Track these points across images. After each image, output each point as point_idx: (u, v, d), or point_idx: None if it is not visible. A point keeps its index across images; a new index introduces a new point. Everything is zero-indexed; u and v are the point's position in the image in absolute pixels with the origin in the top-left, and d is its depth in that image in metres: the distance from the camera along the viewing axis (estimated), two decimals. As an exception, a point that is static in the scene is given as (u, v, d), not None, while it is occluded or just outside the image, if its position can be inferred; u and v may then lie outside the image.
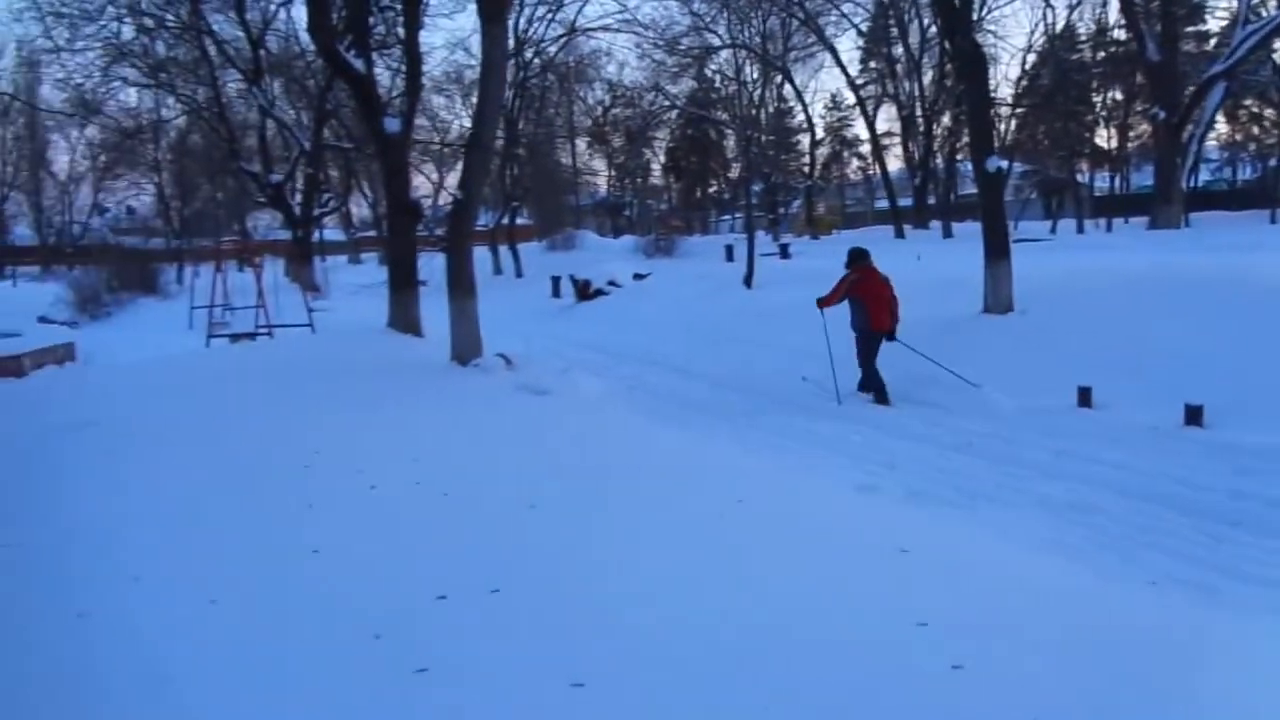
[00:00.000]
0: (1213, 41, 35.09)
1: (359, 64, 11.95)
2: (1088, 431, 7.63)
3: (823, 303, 10.11)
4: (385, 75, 25.33)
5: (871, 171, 50.57)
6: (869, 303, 9.71)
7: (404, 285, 12.37)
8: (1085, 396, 8.36)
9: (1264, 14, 25.70)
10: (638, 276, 21.26)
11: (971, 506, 5.96)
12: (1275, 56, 31.27)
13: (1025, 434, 7.73)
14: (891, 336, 9.80)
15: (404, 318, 12.17)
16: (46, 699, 2.78)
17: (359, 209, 50.61)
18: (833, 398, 9.53)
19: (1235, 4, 25.78)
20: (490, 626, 3.17)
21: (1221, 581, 4.61)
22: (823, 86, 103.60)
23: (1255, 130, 40.84)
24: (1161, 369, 8.59)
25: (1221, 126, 37.77)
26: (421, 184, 41.11)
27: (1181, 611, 3.91)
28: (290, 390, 7.92)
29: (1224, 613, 4.04)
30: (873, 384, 9.60)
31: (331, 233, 51.18)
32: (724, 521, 4.48)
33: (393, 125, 12.17)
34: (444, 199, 40.98)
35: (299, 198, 28.67)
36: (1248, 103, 37.16)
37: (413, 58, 13.36)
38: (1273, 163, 40.23)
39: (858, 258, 10.16)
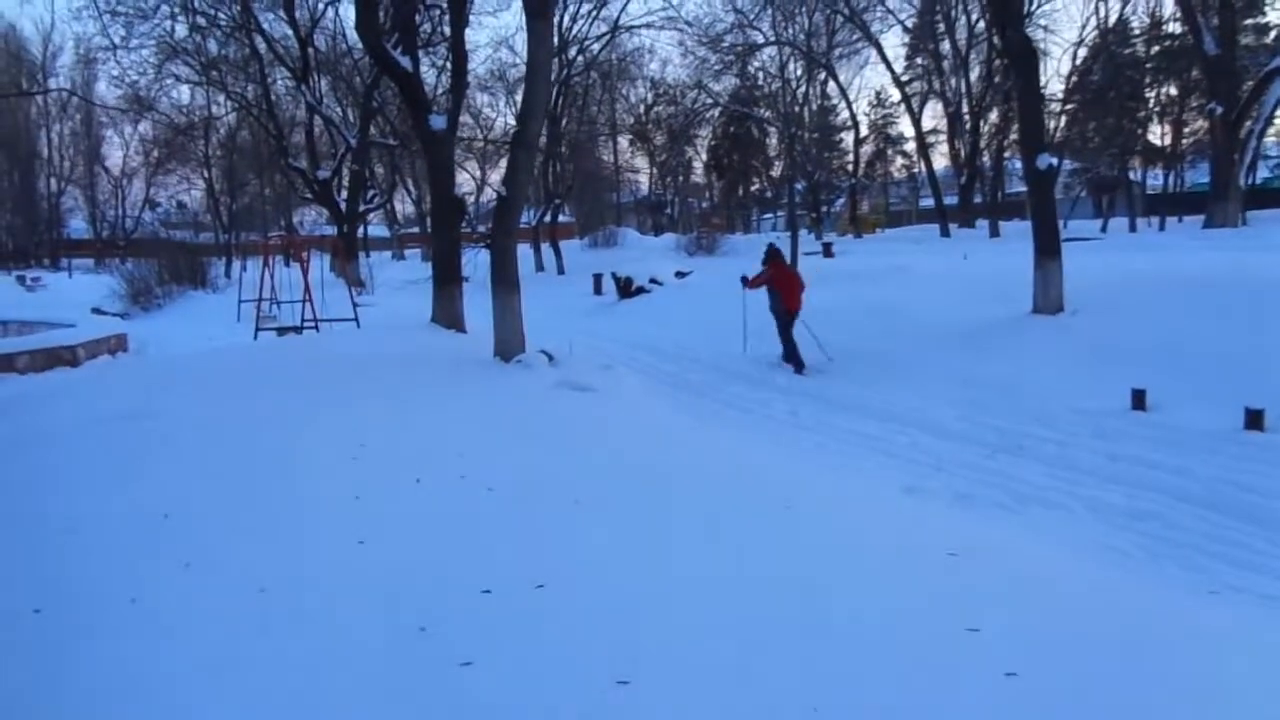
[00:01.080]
0: (1273, 34, 34.18)
1: (405, 62, 12.02)
2: (1143, 435, 7.44)
3: (748, 284, 12.41)
4: (431, 73, 25.58)
5: (916, 169, 50.08)
6: (782, 290, 11.79)
7: (447, 281, 12.43)
8: (1139, 399, 8.15)
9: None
10: (679, 274, 21.20)
11: (1023, 510, 5.85)
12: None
13: (1078, 437, 7.57)
14: (786, 322, 11.77)
15: (447, 313, 12.23)
16: (101, 682, 2.81)
17: (403, 205, 51.24)
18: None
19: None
20: (535, 622, 3.15)
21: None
22: (867, 83, 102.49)
23: (1319, 125, 39.65)
24: (1218, 371, 8.37)
25: (1280, 122, 36.77)
26: (465, 181, 41.41)
27: (1246, 621, 3.80)
28: (336, 383, 7.98)
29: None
30: (792, 356, 11.53)
31: (376, 229, 51.85)
32: (770, 521, 4.43)
33: (438, 122, 12.22)
34: (487, 195, 41.27)
35: (344, 194, 29.02)
36: (1311, 97, 36.08)
37: (458, 55, 13.41)
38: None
39: (773, 255, 12.29)
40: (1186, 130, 36.73)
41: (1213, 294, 10.22)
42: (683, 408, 9.05)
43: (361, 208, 30.43)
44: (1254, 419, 7.26)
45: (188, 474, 5.11)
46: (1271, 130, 31.32)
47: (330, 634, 3.07)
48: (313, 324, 16.34)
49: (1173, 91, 35.64)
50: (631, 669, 2.76)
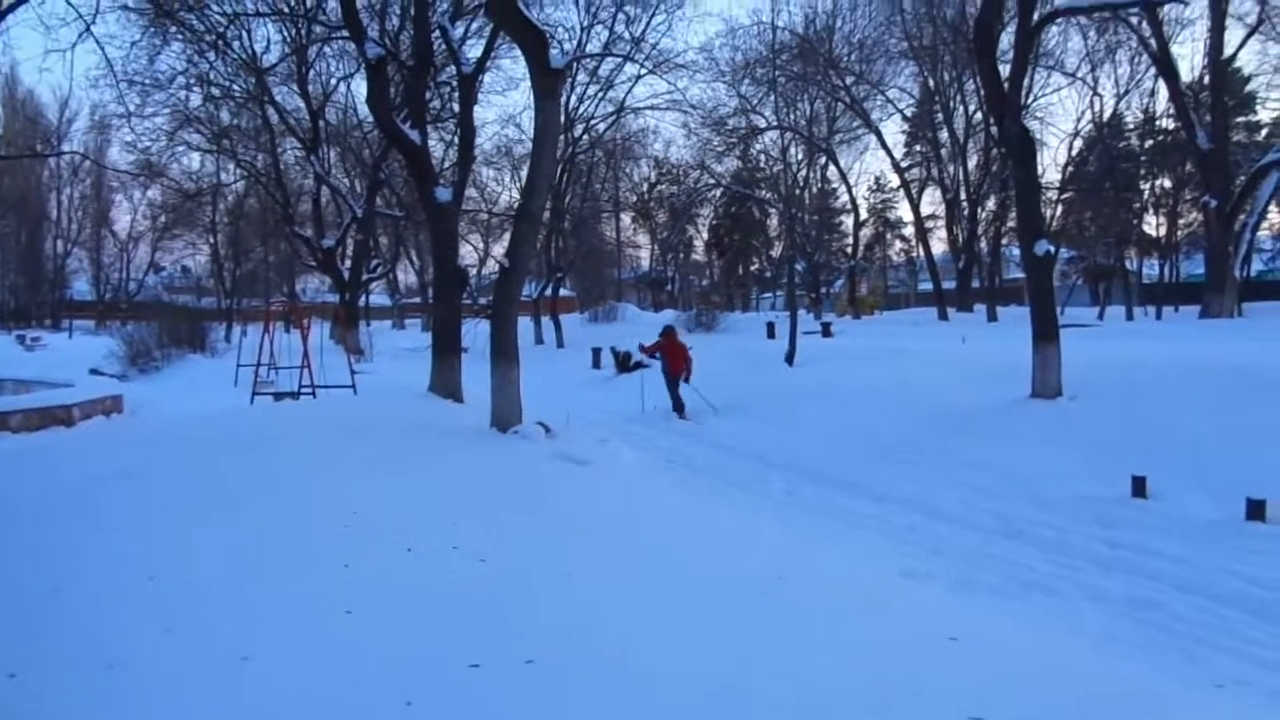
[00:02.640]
0: (1264, 132, 34.97)
1: (415, 135, 12.26)
2: (1143, 523, 7.37)
3: (644, 350, 16.21)
4: (439, 146, 26.09)
5: (915, 253, 50.65)
6: (669, 359, 15.12)
7: (447, 350, 12.46)
8: (1140, 486, 8.09)
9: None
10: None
11: (1023, 597, 5.75)
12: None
13: (1078, 523, 7.48)
14: (686, 380, 14.89)
15: (446, 382, 12.23)
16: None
17: (405, 275, 51.68)
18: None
19: (1287, 96, 25.78)
20: (524, 698, 3.06)
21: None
22: (867, 168, 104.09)
23: (1311, 220, 40.29)
24: (1218, 461, 8.32)
25: (1274, 216, 37.36)
26: (468, 252, 41.82)
27: (1252, 717, 3.69)
28: (330, 449, 7.92)
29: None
30: (676, 406, 14.66)
31: (377, 298, 52.21)
32: (765, 600, 4.34)
33: (444, 195, 12.41)
34: (489, 268, 41.64)
35: (349, 263, 29.29)
36: (1301, 193, 36.73)
37: (466, 131, 13.71)
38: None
39: (667, 332, 15.76)
40: (1181, 222, 37.31)
41: (1212, 383, 10.23)
42: (678, 482, 8.98)
43: (364, 277, 30.71)
44: (1256, 510, 7.19)
45: (175, 537, 5.02)
46: (1265, 224, 31.84)
47: (314, 706, 2.98)
48: (310, 390, 16.32)
49: (1167, 184, 36.31)
50: (622, 750, 2.66)
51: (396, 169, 28.89)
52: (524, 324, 24.94)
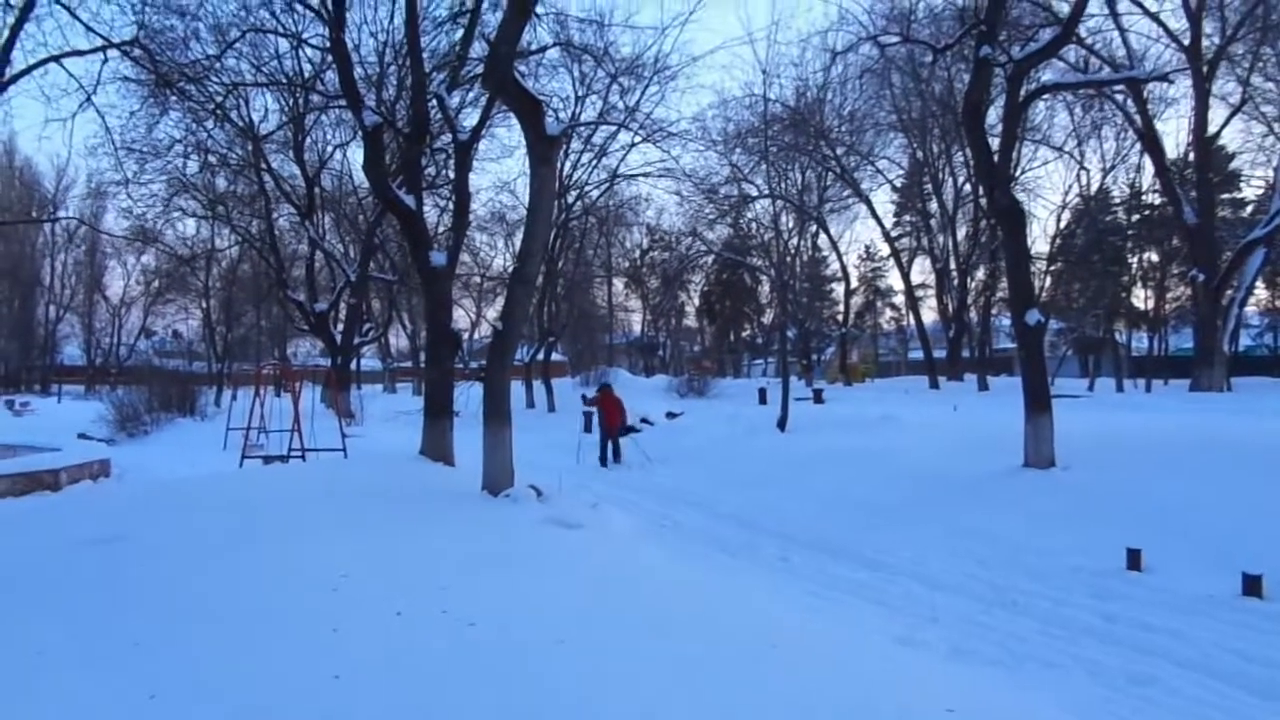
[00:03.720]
0: (1249, 208, 35.60)
1: (410, 201, 12.40)
2: (1138, 596, 7.30)
3: (586, 401, 19.26)
4: (433, 212, 26.35)
5: (905, 321, 51.02)
6: (605, 413, 17.27)
7: (439, 414, 12.42)
8: (1135, 559, 8.03)
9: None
10: (670, 415, 21.26)
11: (1020, 668, 5.68)
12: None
13: (1072, 594, 7.41)
14: (624, 432, 17.47)
15: (437, 446, 12.17)
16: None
17: (397, 339, 51.76)
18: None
19: (1271, 174, 26.32)
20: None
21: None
22: (857, 237, 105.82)
23: (1297, 298, 40.86)
24: (1212, 534, 8.30)
25: (1261, 292, 37.86)
26: (461, 316, 42.02)
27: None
28: (319, 513, 7.84)
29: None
30: (605, 456, 17.03)
31: (369, 361, 52.19)
32: (758, 667, 4.27)
33: (438, 259, 12.49)
34: (481, 332, 41.79)
35: (341, 326, 29.33)
36: (1288, 269, 37.28)
37: (461, 197, 13.85)
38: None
39: (603, 388, 18.21)
40: (1169, 295, 37.73)
41: (1204, 456, 10.25)
42: (669, 547, 8.89)
43: (356, 340, 30.72)
44: (1252, 585, 7.12)
45: (161, 600, 4.95)
46: (1251, 300, 32.20)
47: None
48: (299, 454, 16.21)
49: (1154, 258, 36.80)
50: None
51: (391, 234, 29.14)
52: (516, 388, 24.94)
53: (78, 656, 4.05)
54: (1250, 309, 36.73)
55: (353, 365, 34.29)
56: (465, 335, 40.18)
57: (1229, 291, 24.28)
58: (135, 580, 5.38)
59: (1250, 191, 36.17)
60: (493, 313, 39.80)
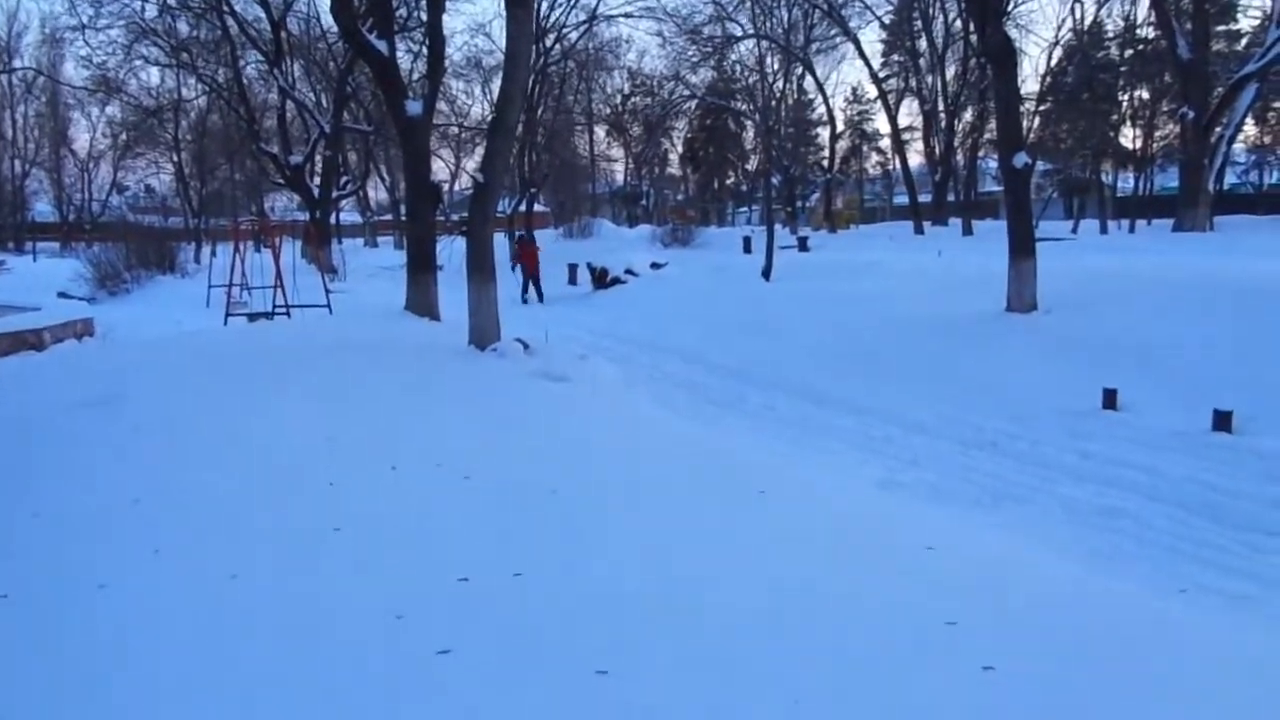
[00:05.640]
0: (1244, 41, 34.62)
1: (382, 46, 11.90)
2: (1113, 434, 7.51)
3: (514, 259, 21.28)
4: (406, 58, 25.35)
5: (891, 166, 50.30)
6: (525, 260, 20.18)
7: (422, 268, 12.34)
8: (1110, 399, 8.23)
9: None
10: (655, 266, 21.17)
11: (997, 507, 5.89)
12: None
13: (1051, 434, 7.62)
14: (536, 275, 20.07)
15: (422, 301, 12.15)
16: (69, 669, 2.74)
17: (376, 192, 50.75)
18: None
19: (1269, 3, 25.45)
20: (513, 610, 3.11)
21: (1258, 591, 4.51)
22: (844, 79, 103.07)
23: (1286, 132, 40.36)
24: (1187, 373, 8.46)
25: (1250, 128, 37.31)
26: (440, 168, 41.13)
27: (1214, 621, 3.83)
28: (308, 370, 7.88)
29: (1259, 623, 3.96)
30: (525, 295, 19.76)
31: (348, 215, 51.35)
32: (746, 513, 4.42)
33: (414, 108, 12.12)
34: (462, 184, 41.02)
35: (317, 180, 28.69)
36: (1278, 105, 36.66)
37: (435, 40, 13.29)
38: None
39: (520, 239, 22.14)
40: (1157, 134, 37.17)
41: (1183, 297, 10.33)
42: (658, 397, 9.04)
43: (335, 194, 30.13)
44: (1222, 420, 7.34)
45: (157, 460, 5.02)
46: (1241, 136, 31.78)
47: (304, 621, 3.02)
48: (284, 310, 16.15)
49: (1145, 95, 36.06)
50: (611, 660, 2.73)
51: (364, 82, 28.10)
52: (499, 241, 24.73)
53: (77, 515, 4.14)
54: (1238, 145, 36.31)
55: (332, 219, 33.76)
56: (446, 187, 39.44)
57: (1218, 129, 23.91)
58: (129, 441, 5.44)
59: (1247, 23, 35.05)
60: (472, 164, 38.90)
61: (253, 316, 15.83)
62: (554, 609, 3.13)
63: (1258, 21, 32.33)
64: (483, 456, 5.17)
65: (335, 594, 3.24)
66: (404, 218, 20.29)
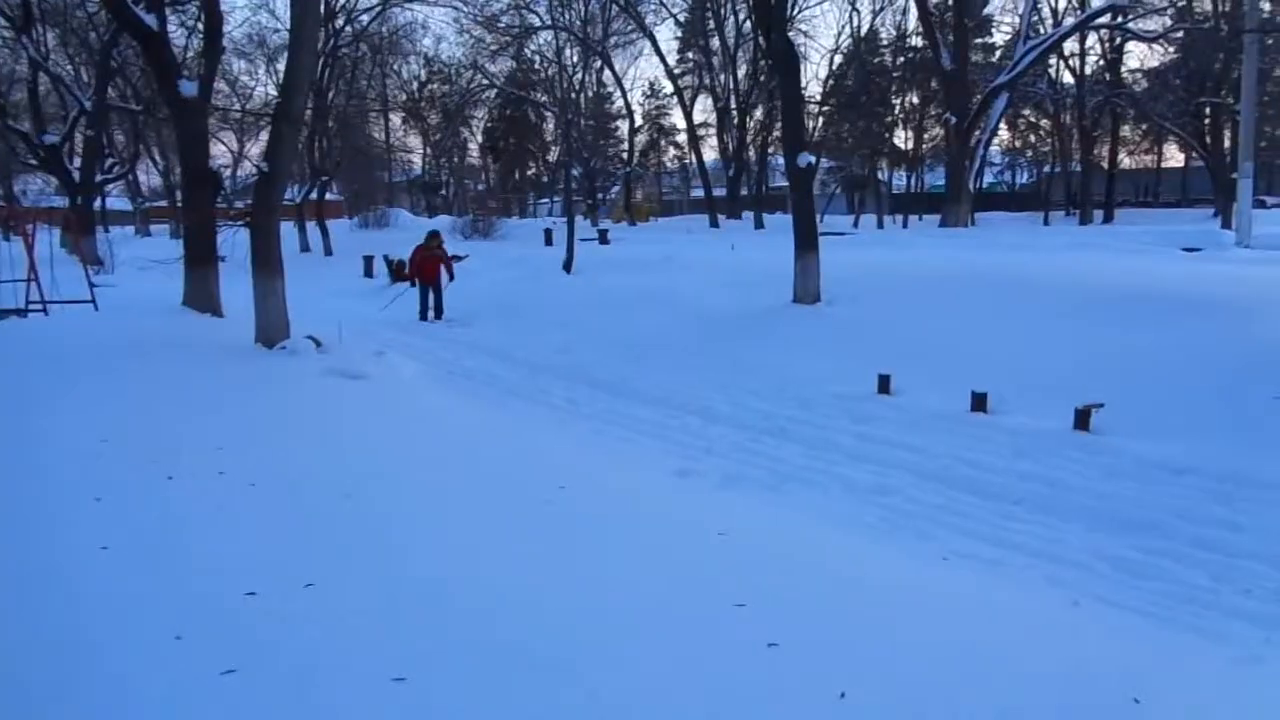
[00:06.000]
0: (998, 54, 38.07)
1: (150, 20, 11.03)
2: (887, 417, 8.10)
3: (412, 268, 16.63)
4: (180, 34, 23.59)
5: (688, 160, 51.72)
6: (422, 268, 16.04)
7: (202, 261, 11.58)
8: (885, 384, 8.88)
9: (1042, 31, 28.15)
10: (455, 258, 20.80)
11: (784, 489, 6.21)
12: (1050, 71, 34.30)
13: (834, 419, 8.11)
14: (435, 286, 16.05)
15: (202, 295, 11.40)
16: None
17: (148, 177, 46.90)
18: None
19: (1018, 21, 28.06)
20: (305, 622, 3.01)
21: (1006, 555, 5.00)
22: (642, 74, 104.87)
23: (1032, 138, 44.84)
24: (950, 358, 9.24)
25: (1004, 133, 41.09)
26: (221, 153, 38.63)
27: (970, 584, 4.24)
28: (72, 373, 7.24)
29: (1003, 584, 4.40)
30: (426, 312, 15.81)
31: (116, 201, 47.21)
32: (547, 507, 4.46)
33: (189, 88, 11.32)
34: (245, 170, 38.73)
35: (78, 161, 26.23)
36: (1026, 113, 40.63)
37: (212, 16, 12.44)
38: (1047, 169, 44.21)
39: (427, 244, 16.48)
40: (926, 136, 40.28)
41: (947, 288, 11.29)
42: (458, 394, 8.93)
43: (99, 178, 27.65)
44: (978, 402, 8.08)
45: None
46: (995, 141, 34.92)
47: (71, 648, 2.79)
48: (39, 306, 14.69)
49: (915, 100, 38.98)
50: (407, 665, 2.70)
51: (132, 56, 25.91)
52: (288, 231, 23.52)
53: None
54: (993, 149, 39.95)
55: (96, 205, 31.00)
56: (227, 173, 37.11)
57: (976, 133, 26.21)
58: None
59: (1000, 37, 38.59)
60: (256, 149, 36.84)
61: (2, 314, 14.30)
62: (349, 617, 3.05)
63: (1009, 36, 35.65)
64: (271, 461, 4.94)
65: (104, 618, 3.01)
66: (180, 205, 18.89)
